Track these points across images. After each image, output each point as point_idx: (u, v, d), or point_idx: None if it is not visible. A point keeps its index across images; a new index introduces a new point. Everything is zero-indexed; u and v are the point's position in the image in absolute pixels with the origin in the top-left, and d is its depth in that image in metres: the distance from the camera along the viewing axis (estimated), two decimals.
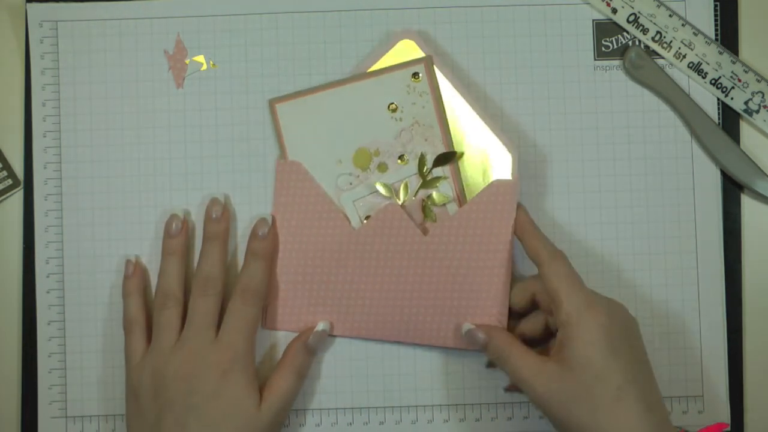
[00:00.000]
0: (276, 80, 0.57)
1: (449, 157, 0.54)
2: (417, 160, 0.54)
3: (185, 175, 0.56)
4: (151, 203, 0.56)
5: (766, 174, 0.56)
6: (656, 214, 0.57)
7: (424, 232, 0.54)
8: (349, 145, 0.55)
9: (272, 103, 0.55)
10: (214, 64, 0.57)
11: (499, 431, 0.56)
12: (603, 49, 0.57)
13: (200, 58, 0.57)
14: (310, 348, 0.53)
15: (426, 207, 0.54)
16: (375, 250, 0.54)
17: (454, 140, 0.54)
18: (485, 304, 0.53)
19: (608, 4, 0.57)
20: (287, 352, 0.54)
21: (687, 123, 0.57)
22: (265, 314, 0.55)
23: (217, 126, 0.57)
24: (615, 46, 0.57)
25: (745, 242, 0.57)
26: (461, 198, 0.54)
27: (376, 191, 0.54)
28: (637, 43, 0.57)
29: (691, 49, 0.57)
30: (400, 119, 0.54)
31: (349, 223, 0.54)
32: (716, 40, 0.57)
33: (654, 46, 0.57)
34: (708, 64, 0.57)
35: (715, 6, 0.57)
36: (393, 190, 0.54)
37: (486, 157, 0.54)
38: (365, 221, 0.54)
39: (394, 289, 0.54)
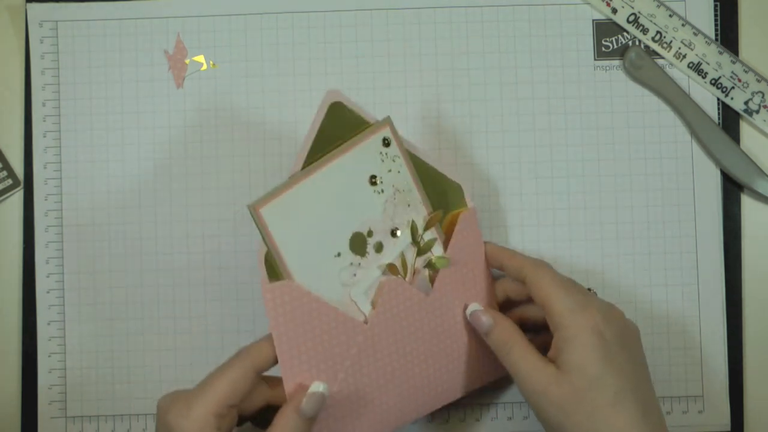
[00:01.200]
0: (276, 80, 0.57)
1: (437, 218, 0.51)
2: (408, 229, 0.50)
3: (185, 175, 0.56)
4: (151, 203, 0.56)
5: (766, 174, 0.56)
6: (656, 214, 0.57)
7: (428, 295, 0.50)
8: (343, 233, 0.48)
9: (255, 208, 0.46)
10: (214, 64, 0.57)
11: (499, 431, 0.56)
12: (603, 49, 0.57)
13: (200, 58, 0.57)
14: (303, 414, 0.45)
15: (431, 276, 0.51)
16: (387, 333, 0.49)
17: None
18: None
19: (608, 4, 0.57)
20: (277, 421, 0.45)
21: (687, 123, 0.57)
22: None
23: (217, 126, 0.57)
24: (615, 46, 0.57)
25: (745, 242, 0.57)
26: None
27: (382, 274, 0.49)
28: (637, 43, 0.57)
29: (691, 49, 0.57)
30: (382, 191, 0.49)
31: (362, 318, 0.48)
32: (716, 40, 0.57)
33: (654, 46, 0.57)
34: (708, 64, 0.57)
35: (715, 6, 0.57)
36: (397, 269, 0.49)
37: (442, 195, 0.51)
38: (373, 308, 0.49)
39: (415, 364, 0.50)
